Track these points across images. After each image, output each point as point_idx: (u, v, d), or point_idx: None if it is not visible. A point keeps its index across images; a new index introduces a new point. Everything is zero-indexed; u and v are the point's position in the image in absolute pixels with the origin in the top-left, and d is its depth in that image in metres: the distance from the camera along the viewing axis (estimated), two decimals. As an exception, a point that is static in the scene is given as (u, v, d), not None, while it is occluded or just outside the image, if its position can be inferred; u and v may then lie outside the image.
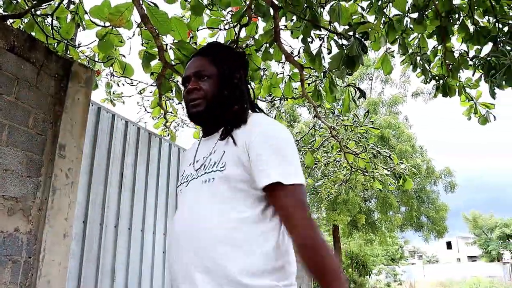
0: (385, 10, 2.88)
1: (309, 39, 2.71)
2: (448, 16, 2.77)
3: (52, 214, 2.08)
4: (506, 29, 2.72)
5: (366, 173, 5.73)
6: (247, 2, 2.66)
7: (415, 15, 2.75)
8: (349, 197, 10.27)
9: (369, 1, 2.91)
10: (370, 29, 2.27)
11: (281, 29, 2.83)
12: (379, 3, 2.85)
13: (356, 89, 3.34)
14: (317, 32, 2.76)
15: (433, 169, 13.14)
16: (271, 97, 4.49)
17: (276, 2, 2.60)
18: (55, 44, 2.92)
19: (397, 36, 2.93)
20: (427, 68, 3.33)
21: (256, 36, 2.94)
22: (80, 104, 2.34)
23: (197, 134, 4.73)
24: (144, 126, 3.71)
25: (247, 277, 0.96)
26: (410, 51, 3.22)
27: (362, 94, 3.19)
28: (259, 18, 2.81)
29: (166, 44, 2.52)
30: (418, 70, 3.34)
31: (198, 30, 2.85)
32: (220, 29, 3.01)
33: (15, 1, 2.78)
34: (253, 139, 1.06)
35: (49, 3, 2.80)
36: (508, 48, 2.59)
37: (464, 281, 22.94)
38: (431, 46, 3.26)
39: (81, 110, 2.35)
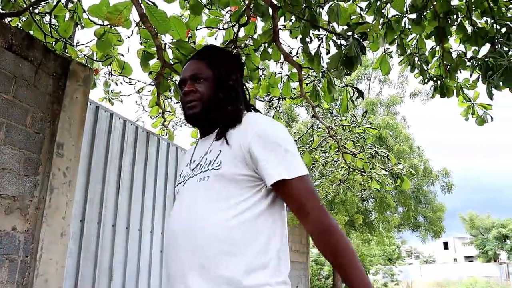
0: (383, 11, 2.89)
1: (308, 39, 2.72)
2: (446, 17, 2.78)
3: (50, 213, 2.08)
4: (503, 30, 2.73)
5: (364, 173, 5.74)
6: (246, 2, 2.67)
7: (413, 15, 2.76)
8: (347, 197, 10.25)
9: (368, 2, 2.92)
10: (368, 30, 2.27)
11: (280, 29, 2.83)
12: (378, 3, 2.86)
13: (354, 89, 3.34)
14: (316, 32, 2.76)
15: (431, 170, 13.16)
16: (270, 97, 4.49)
17: (275, 2, 2.60)
18: (53, 43, 2.91)
19: (395, 37, 2.94)
20: (425, 68, 3.34)
21: (255, 36, 2.94)
22: (78, 103, 2.34)
23: (195, 134, 4.72)
24: (142, 125, 3.71)
25: (243, 276, 0.97)
26: (408, 51, 3.23)
27: (360, 94, 3.20)
28: (258, 17, 2.81)
29: (165, 43, 2.52)
30: (416, 70, 3.35)
31: (197, 30, 2.85)
32: (219, 29, 3.01)
33: (13, -1, 2.77)
34: (250, 138, 1.07)
35: (47, 1, 2.79)
36: (506, 49, 2.60)
37: (460, 281, 23.03)
38: (429, 46, 3.28)
39: (79, 108, 2.34)
